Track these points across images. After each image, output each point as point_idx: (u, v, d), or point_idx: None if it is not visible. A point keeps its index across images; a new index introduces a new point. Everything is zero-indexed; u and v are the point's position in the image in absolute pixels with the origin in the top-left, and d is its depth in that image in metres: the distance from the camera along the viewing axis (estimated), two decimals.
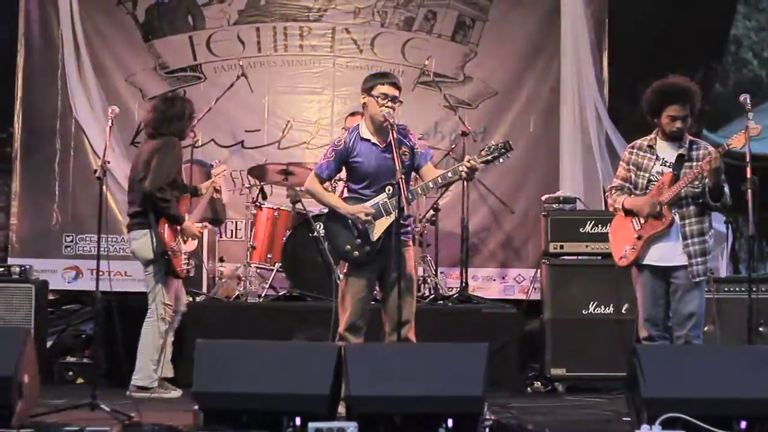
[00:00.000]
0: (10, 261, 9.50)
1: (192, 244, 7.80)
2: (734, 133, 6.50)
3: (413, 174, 6.75)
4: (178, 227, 7.59)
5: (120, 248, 9.64)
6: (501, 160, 6.48)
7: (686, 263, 6.48)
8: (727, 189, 6.51)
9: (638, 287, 6.67)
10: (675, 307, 6.53)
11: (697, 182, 6.47)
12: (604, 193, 8.95)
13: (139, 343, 7.54)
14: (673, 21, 10.15)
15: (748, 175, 6.36)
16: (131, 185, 7.68)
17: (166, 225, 7.49)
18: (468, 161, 6.43)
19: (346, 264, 6.63)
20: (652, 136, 6.68)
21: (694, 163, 6.50)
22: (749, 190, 6.36)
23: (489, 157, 6.44)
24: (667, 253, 6.53)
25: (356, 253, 6.53)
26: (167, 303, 7.54)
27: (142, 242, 7.48)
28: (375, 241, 6.49)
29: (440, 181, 6.55)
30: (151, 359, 7.49)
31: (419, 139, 6.88)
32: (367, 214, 6.47)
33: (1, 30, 10.21)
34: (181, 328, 7.90)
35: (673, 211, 6.52)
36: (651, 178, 6.61)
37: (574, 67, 10.11)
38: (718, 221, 8.53)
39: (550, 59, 10.28)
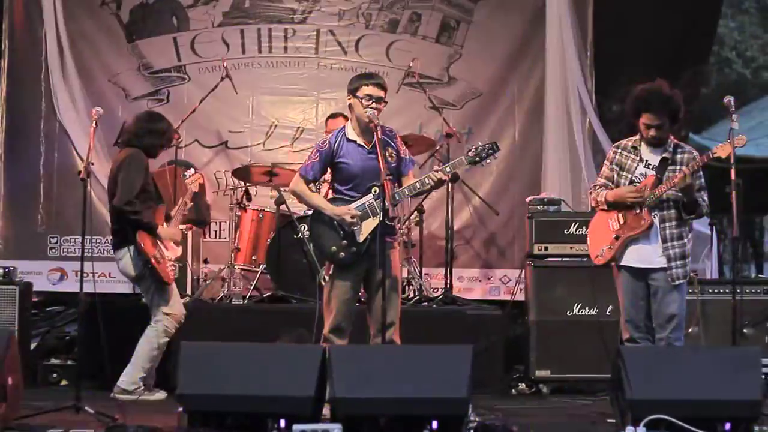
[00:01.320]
0: None
1: (177, 250, 7.77)
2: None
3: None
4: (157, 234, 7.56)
5: (104, 249, 9.52)
6: (488, 160, 6.50)
7: (665, 266, 6.49)
8: (704, 199, 6.51)
9: (619, 288, 6.68)
10: (656, 309, 6.53)
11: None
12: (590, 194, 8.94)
13: (137, 346, 7.51)
14: (660, 21, 10.13)
15: (733, 177, 6.36)
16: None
17: (145, 235, 7.45)
18: (437, 172, 6.44)
19: (332, 265, 6.62)
20: (637, 137, 6.67)
21: (678, 167, 6.49)
22: (733, 193, 6.36)
23: (476, 158, 6.46)
24: (645, 255, 6.54)
25: (342, 254, 6.51)
26: (169, 312, 7.50)
27: (125, 261, 7.45)
28: (361, 243, 6.48)
29: (417, 187, 6.50)
30: (142, 366, 7.44)
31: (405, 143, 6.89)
32: (353, 216, 6.46)
33: None
34: None
35: (653, 213, 6.52)
36: (633, 179, 6.61)
37: (559, 68, 10.08)
38: (703, 223, 8.54)
39: (534, 60, 10.27)
